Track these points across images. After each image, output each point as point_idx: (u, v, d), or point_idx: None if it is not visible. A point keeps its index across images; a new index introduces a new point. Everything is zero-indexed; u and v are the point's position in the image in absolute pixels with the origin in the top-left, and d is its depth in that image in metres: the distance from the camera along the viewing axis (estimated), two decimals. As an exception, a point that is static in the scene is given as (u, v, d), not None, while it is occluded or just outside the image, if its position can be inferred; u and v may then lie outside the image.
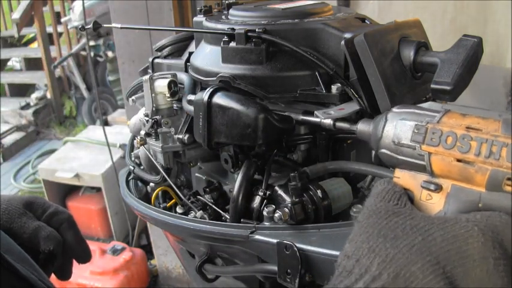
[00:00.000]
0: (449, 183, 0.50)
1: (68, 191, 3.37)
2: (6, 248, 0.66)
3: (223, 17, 0.87)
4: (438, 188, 0.51)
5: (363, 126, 0.62)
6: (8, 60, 6.38)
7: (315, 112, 0.70)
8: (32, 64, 6.00)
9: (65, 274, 0.82)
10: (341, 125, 0.67)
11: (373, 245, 0.46)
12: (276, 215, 0.68)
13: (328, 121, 0.68)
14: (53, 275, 0.79)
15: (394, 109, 0.56)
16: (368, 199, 0.51)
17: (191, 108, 0.79)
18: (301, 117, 0.73)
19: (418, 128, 0.51)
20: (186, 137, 0.84)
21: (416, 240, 0.45)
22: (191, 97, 0.81)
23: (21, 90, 5.92)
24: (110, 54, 5.04)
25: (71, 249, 0.79)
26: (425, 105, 0.55)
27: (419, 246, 0.44)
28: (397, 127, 0.53)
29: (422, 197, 0.52)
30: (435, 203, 0.51)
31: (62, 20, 5.44)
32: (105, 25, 0.90)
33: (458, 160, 0.48)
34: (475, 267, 0.43)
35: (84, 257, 0.82)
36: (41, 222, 0.76)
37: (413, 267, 0.43)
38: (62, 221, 0.79)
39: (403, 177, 0.54)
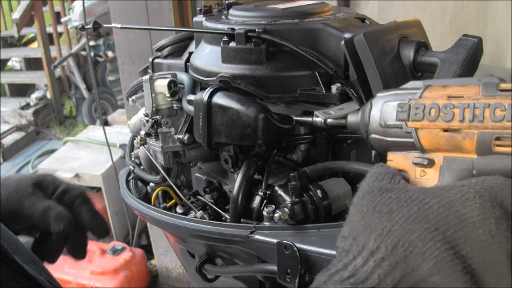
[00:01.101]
0: (440, 156, 0.50)
1: (68, 191, 3.37)
2: (15, 249, 0.66)
3: (223, 17, 0.87)
4: (430, 163, 0.51)
5: (351, 118, 0.62)
6: (8, 60, 6.38)
7: (315, 112, 0.70)
8: (32, 64, 6.00)
9: (79, 253, 0.81)
10: (331, 121, 0.67)
11: (369, 222, 0.45)
12: (276, 215, 0.68)
13: (319, 119, 0.67)
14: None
15: (378, 94, 0.56)
16: (362, 183, 0.51)
17: (191, 108, 0.79)
18: (295, 118, 0.72)
19: (401, 106, 0.51)
20: (186, 137, 0.84)
21: (412, 210, 0.44)
22: (191, 97, 0.81)
23: (21, 90, 5.92)
24: (110, 54, 5.03)
25: (87, 224, 0.78)
26: (407, 84, 0.55)
27: (415, 216, 0.44)
28: (382, 110, 0.53)
29: (417, 175, 0.52)
30: (430, 178, 0.51)
31: (62, 20, 5.43)
32: (105, 25, 0.90)
33: (445, 130, 0.48)
34: (476, 228, 0.42)
35: (101, 231, 0.80)
36: (51, 202, 0.75)
37: (411, 236, 0.42)
38: (75, 197, 0.77)
39: (395, 159, 0.54)
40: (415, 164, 0.52)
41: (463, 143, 0.47)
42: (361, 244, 0.44)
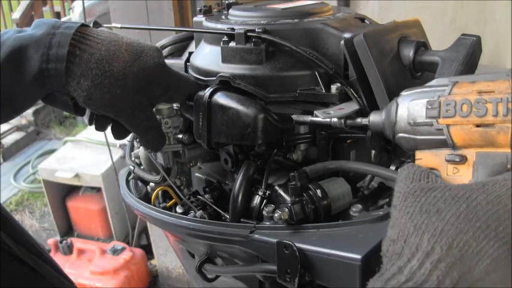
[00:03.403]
0: (473, 152, 0.50)
1: (68, 191, 3.37)
2: (19, 238, 0.70)
3: (223, 17, 0.87)
4: (463, 159, 0.50)
5: (374, 117, 0.61)
6: (8, 60, 6.37)
7: (315, 112, 0.70)
8: (32, 64, 5.99)
9: None
10: (351, 122, 0.66)
11: (418, 223, 0.45)
12: (276, 214, 0.68)
13: (338, 120, 0.67)
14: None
15: (403, 93, 0.55)
16: (397, 185, 0.50)
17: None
18: (311, 118, 0.72)
19: (431, 103, 0.51)
20: (185, 137, 0.84)
21: (461, 208, 0.44)
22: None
23: (21, 90, 5.90)
24: (110, 54, 5.02)
25: None
26: (432, 82, 0.54)
27: (466, 214, 0.43)
28: (409, 108, 0.53)
29: (449, 172, 0.52)
30: (463, 175, 0.51)
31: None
32: (105, 25, 0.90)
33: (478, 125, 0.48)
34: None
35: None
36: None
37: (465, 236, 0.42)
38: None
39: (425, 158, 0.53)
40: (448, 161, 0.51)
41: (497, 138, 0.47)
42: (414, 246, 0.44)
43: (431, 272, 0.41)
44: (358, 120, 0.66)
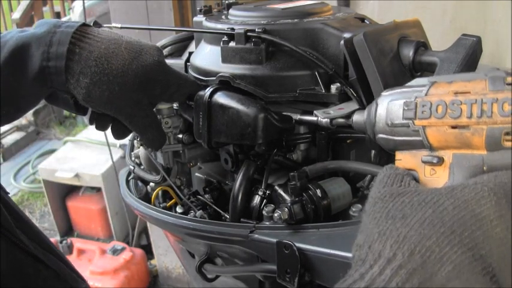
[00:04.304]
0: (449, 154, 0.49)
1: (68, 191, 3.37)
2: (32, 234, 0.71)
3: (223, 17, 0.87)
4: (440, 161, 0.50)
5: (357, 117, 0.62)
6: (8, 60, 6.36)
7: (314, 112, 0.70)
8: (32, 64, 5.98)
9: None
10: (337, 121, 0.67)
11: (383, 229, 0.44)
12: (276, 214, 0.68)
13: (325, 120, 0.68)
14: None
15: (383, 93, 0.55)
16: (372, 189, 0.50)
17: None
18: (299, 116, 0.73)
19: (407, 104, 0.50)
20: (185, 137, 0.84)
21: (427, 213, 0.43)
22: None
23: (21, 90, 5.90)
24: (110, 54, 5.01)
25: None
26: (411, 82, 0.53)
27: (430, 219, 0.43)
28: (388, 109, 0.52)
29: (426, 173, 0.51)
30: (440, 177, 0.50)
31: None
32: (105, 25, 0.90)
33: (453, 127, 0.47)
34: (494, 227, 0.42)
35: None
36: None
37: (428, 241, 0.42)
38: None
39: (404, 158, 0.53)
40: (424, 162, 0.51)
41: (472, 139, 0.46)
42: (377, 252, 0.43)
43: (391, 278, 0.41)
44: (343, 120, 0.66)
